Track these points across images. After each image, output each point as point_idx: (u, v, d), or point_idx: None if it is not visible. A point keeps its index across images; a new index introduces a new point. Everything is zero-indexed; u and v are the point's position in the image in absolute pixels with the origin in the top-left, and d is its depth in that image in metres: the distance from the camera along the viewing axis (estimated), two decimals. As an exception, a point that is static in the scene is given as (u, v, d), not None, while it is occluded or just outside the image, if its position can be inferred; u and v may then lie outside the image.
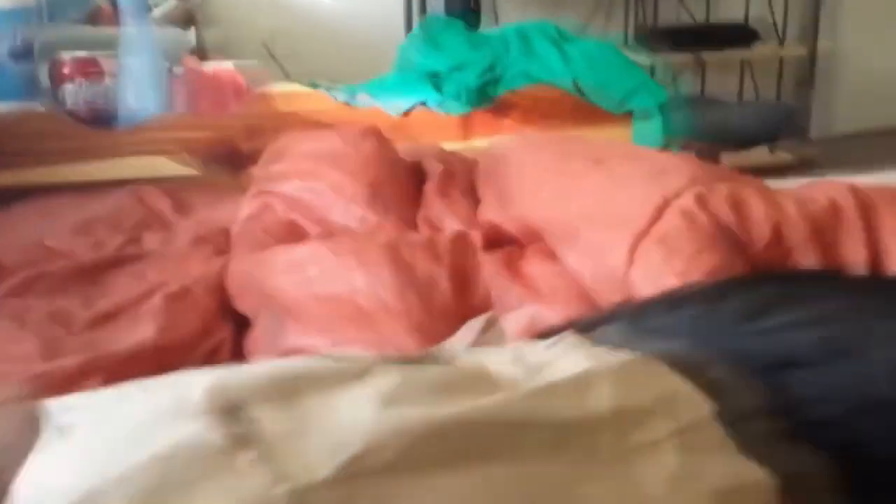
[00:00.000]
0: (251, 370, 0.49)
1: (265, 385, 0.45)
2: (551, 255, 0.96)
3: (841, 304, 0.74)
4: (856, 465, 0.47)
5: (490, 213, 1.05)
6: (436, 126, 1.68)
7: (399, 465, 0.38)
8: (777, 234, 0.89)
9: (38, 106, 1.63)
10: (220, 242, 1.21)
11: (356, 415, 0.41)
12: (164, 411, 0.43)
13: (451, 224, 1.11)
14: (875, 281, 0.85)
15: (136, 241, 1.25)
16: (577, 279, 0.90)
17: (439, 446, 0.39)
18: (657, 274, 0.85)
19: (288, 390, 0.44)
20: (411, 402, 0.43)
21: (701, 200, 0.90)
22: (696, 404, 0.47)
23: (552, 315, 0.87)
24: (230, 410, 0.42)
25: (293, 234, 1.13)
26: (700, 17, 3.53)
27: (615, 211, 0.90)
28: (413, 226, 1.14)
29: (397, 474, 0.37)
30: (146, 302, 1.00)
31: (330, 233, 1.06)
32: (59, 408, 0.46)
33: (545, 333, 0.69)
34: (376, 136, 1.23)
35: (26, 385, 0.78)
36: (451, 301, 0.94)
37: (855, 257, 0.88)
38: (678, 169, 0.96)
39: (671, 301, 0.79)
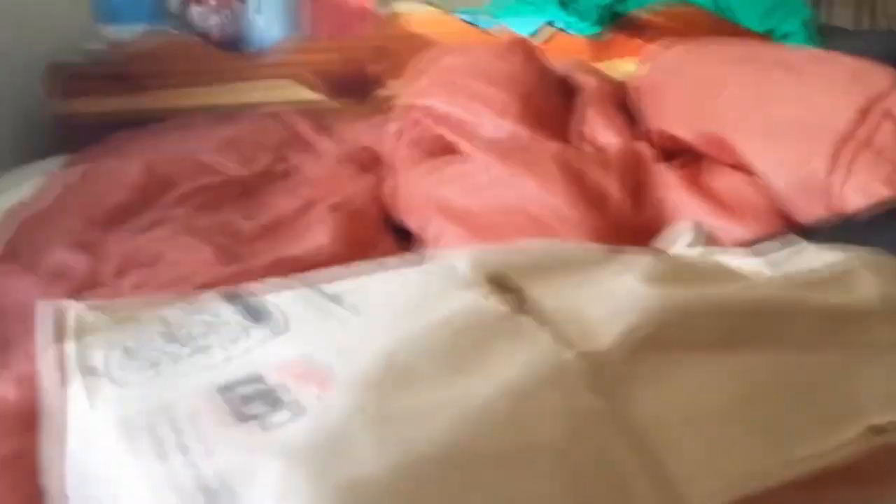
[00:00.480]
0: (499, 250, 0.47)
1: (522, 260, 0.43)
2: (735, 167, 0.91)
3: None
4: None
5: (661, 122, 1.00)
6: (566, 47, 1.62)
7: (674, 339, 0.37)
8: None
9: (167, 29, 1.63)
10: (365, 160, 1.19)
11: (626, 290, 0.39)
12: (435, 286, 0.41)
13: (607, 138, 1.06)
14: None
15: (283, 160, 1.24)
16: (769, 190, 0.85)
17: (713, 326, 0.38)
18: (863, 180, 0.80)
19: (545, 266, 0.42)
20: (675, 283, 0.41)
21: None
22: None
23: (740, 231, 0.82)
24: (499, 281, 0.40)
25: (443, 148, 1.10)
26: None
27: (814, 115, 0.85)
28: (566, 140, 1.10)
29: (672, 349, 0.36)
30: (309, 213, 0.99)
31: (486, 146, 1.02)
32: (331, 289, 0.44)
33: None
34: (524, 48, 1.18)
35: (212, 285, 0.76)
36: (623, 212, 0.90)
37: None
38: (876, 70, 0.89)
39: (885, 213, 0.74)
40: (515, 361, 0.34)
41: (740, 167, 0.90)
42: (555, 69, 1.21)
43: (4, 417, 0.56)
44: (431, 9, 1.63)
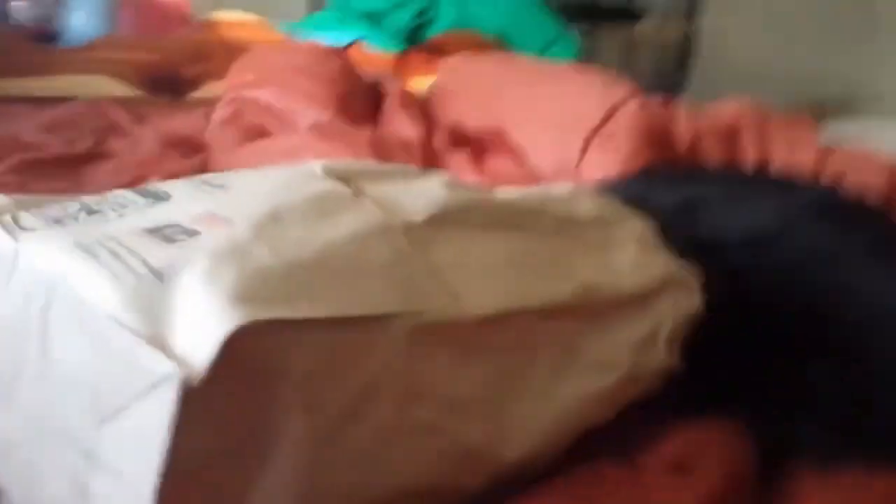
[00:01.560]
0: (345, 161, 0.62)
1: (361, 168, 0.58)
2: (511, 153, 1.10)
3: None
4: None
5: (453, 116, 1.18)
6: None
7: (460, 221, 0.52)
8: (694, 142, 1.07)
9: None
10: (187, 147, 1.28)
11: (432, 189, 0.55)
12: (295, 178, 0.55)
13: (409, 133, 1.23)
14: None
15: (104, 144, 1.30)
16: (534, 170, 1.05)
17: (486, 217, 0.54)
18: (605, 164, 1.01)
19: (377, 174, 0.57)
20: (464, 189, 0.58)
21: (641, 107, 1.06)
22: (645, 223, 0.64)
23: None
24: (346, 178, 0.54)
25: (265, 137, 1.22)
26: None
27: (572, 113, 1.06)
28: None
29: (459, 227, 0.52)
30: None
31: (308, 130, 1.16)
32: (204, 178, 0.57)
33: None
34: (340, 55, 1.33)
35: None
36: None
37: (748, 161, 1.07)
38: (620, 83, 1.13)
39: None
40: (358, 219, 0.49)
41: (514, 153, 1.09)
42: (366, 77, 1.37)
43: None
44: (249, 18, 1.74)
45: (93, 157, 1.23)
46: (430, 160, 1.09)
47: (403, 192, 0.54)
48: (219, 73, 1.64)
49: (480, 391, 0.48)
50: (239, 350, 0.38)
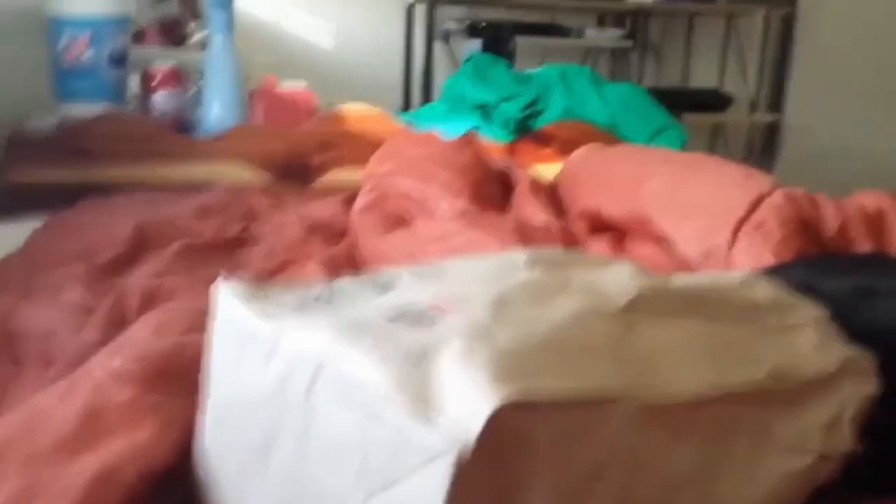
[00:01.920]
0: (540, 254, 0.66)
1: (557, 259, 0.63)
2: (654, 240, 1.13)
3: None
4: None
5: (592, 203, 1.23)
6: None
7: (655, 308, 0.56)
8: (843, 228, 1.09)
9: (128, 110, 1.77)
10: (329, 232, 1.36)
11: (623, 276, 0.60)
12: (503, 266, 0.60)
13: (542, 219, 1.28)
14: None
15: (249, 229, 1.38)
16: (682, 258, 1.08)
17: (677, 302, 0.58)
18: (756, 252, 1.03)
19: (571, 262, 0.62)
20: (647, 275, 0.62)
21: (788, 197, 1.09)
22: (818, 309, 0.67)
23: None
24: (549, 264, 0.59)
25: (405, 223, 1.29)
26: (677, 80, 3.79)
27: (718, 202, 1.09)
28: (506, 223, 1.31)
29: (655, 314, 0.56)
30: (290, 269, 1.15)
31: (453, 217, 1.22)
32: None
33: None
34: (473, 144, 1.40)
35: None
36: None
37: (896, 249, 1.09)
38: (761, 174, 1.16)
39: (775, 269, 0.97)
40: (573, 303, 0.53)
41: (658, 241, 1.13)
42: (495, 164, 1.44)
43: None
44: (370, 109, 1.84)
45: (242, 241, 1.31)
46: (570, 245, 1.14)
47: (599, 278, 0.58)
48: (343, 161, 1.74)
49: (691, 470, 0.52)
50: (499, 426, 0.42)
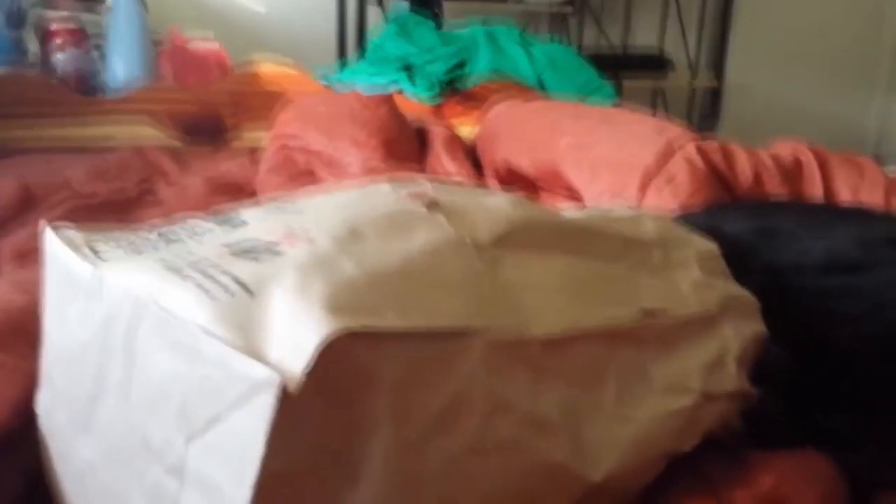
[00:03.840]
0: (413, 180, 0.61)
1: (428, 187, 0.57)
2: (566, 195, 1.09)
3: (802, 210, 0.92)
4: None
5: (506, 156, 1.18)
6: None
7: (526, 242, 0.52)
8: (757, 179, 1.06)
9: (28, 70, 1.68)
10: (234, 192, 1.29)
11: (501, 207, 0.55)
12: (366, 196, 0.55)
13: (461, 173, 1.23)
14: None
15: (151, 190, 1.31)
16: (594, 209, 1.04)
17: (551, 237, 0.54)
18: (664, 205, 0.99)
19: (445, 190, 0.57)
20: (528, 208, 0.57)
21: (700, 149, 1.05)
22: (708, 244, 0.64)
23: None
24: (416, 194, 0.54)
25: (315, 182, 1.23)
26: (617, 43, 3.77)
27: (629, 157, 1.05)
28: (421, 181, 1.25)
29: (525, 248, 0.52)
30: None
31: (360, 174, 1.16)
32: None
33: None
34: (389, 101, 1.34)
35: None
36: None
37: (813, 197, 1.06)
38: (675, 127, 1.12)
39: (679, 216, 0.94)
40: (434, 235, 0.49)
41: (571, 196, 1.08)
42: (410, 121, 1.38)
43: None
44: (288, 68, 1.76)
45: (141, 203, 1.24)
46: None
47: (473, 209, 0.54)
48: (258, 122, 1.66)
49: (557, 411, 0.48)
50: (332, 359, 0.38)
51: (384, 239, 0.47)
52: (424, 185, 0.56)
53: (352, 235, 0.47)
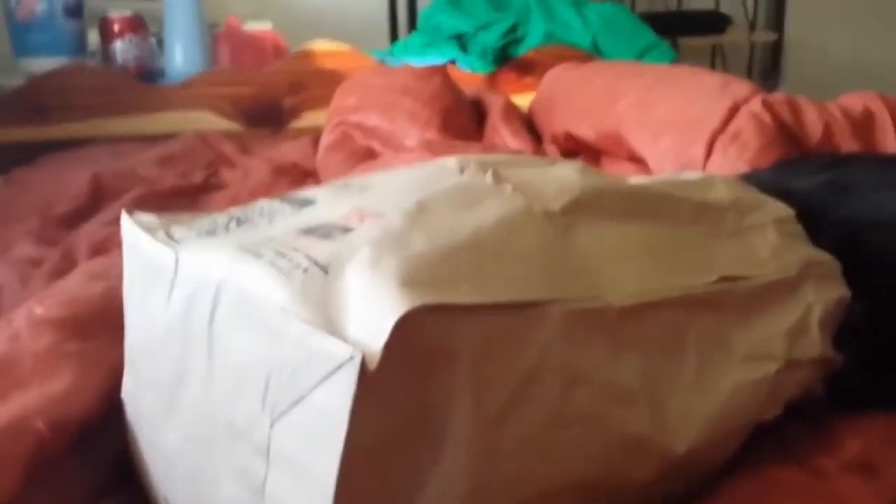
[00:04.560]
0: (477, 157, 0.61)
1: (495, 160, 0.56)
2: (629, 158, 1.07)
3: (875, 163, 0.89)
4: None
5: (566, 125, 1.16)
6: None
7: (597, 210, 0.51)
8: (827, 132, 1.03)
9: (88, 62, 1.71)
10: (296, 174, 1.30)
11: (568, 176, 0.54)
12: (433, 172, 0.54)
13: (516, 146, 1.22)
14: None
15: (216, 175, 1.33)
16: (659, 173, 1.02)
17: (622, 204, 0.53)
18: (731, 163, 0.97)
19: (511, 162, 0.57)
20: (596, 176, 0.56)
21: (766, 104, 1.03)
22: (784, 207, 0.62)
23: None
24: (482, 167, 0.53)
25: (373, 158, 1.23)
26: (673, 4, 3.69)
27: (693, 114, 1.03)
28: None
29: (596, 216, 0.51)
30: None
31: (419, 147, 1.16)
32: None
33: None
34: (441, 72, 1.34)
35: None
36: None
37: (888, 150, 1.02)
38: (739, 82, 1.09)
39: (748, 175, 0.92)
40: (502, 206, 0.48)
41: (634, 159, 1.07)
42: (466, 93, 1.37)
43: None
44: (342, 47, 1.76)
45: (206, 188, 1.26)
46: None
47: (540, 179, 0.53)
48: (317, 103, 1.67)
49: (638, 381, 0.47)
50: (410, 334, 0.38)
51: (454, 212, 0.47)
52: (490, 159, 0.56)
53: (421, 210, 0.47)
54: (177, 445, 0.49)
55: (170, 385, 0.48)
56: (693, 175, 0.64)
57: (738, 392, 0.50)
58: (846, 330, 0.59)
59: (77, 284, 0.75)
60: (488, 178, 0.51)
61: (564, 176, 0.54)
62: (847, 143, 1.03)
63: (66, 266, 0.94)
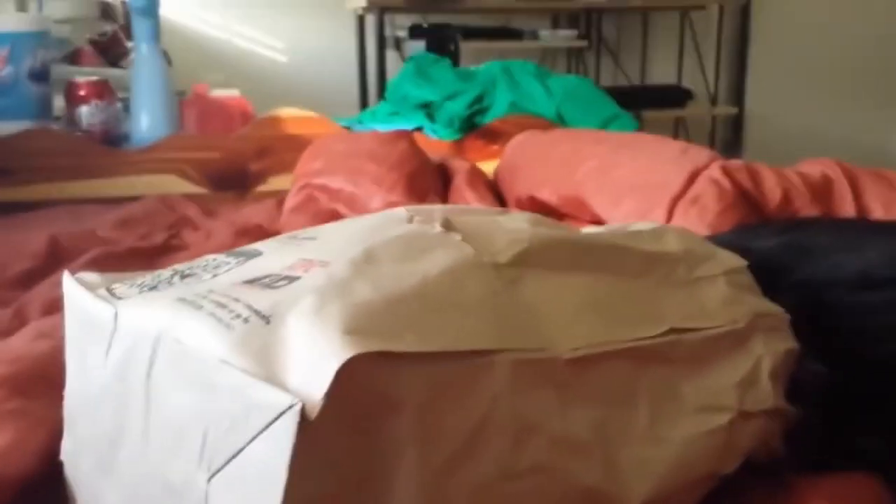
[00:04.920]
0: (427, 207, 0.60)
1: (445, 209, 0.56)
2: (591, 222, 1.08)
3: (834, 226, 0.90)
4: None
5: (528, 189, 1.17)
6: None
7: (546, 261, 0.50)
8: (787, 197, 1.04)
9: (52, 125, 1.70)
10: (260, 235, 1.29)
11: (518, 227, 0.54)
12: (381, 222, 0.54)
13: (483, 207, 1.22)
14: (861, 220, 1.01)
15: (177, 237, 1.32)
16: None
17: (571, 255, 0.52)
18: (692, 227, 0.97)
19: (462, 212, 0.56)
20: (548, 227, 0.56)
21: (725, 170, 1.04)
22: (735, 258, 0.62)
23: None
24: (431, 216, 0.53)
25: (337, 220, 1.22)
26: (636, 79, 3.77)
27: (654, 179, 1.04)
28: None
29: (544, 267, 0.50)
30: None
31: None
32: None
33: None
34: (408, 137, 1.34)
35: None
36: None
37: (846, 214, 1.04)
38: (699, 149, 1.11)
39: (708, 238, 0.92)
40: (451, 256, 0.47)
41: (595, 222, 1.07)
42: (431, 158, 1.38)
43: None
44: (309, 113, 1.77)
45: (167, 249, 1.24)
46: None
47: (490, 229, 0.53)
48: (283, 168, 1.67)
49: (589, 432, 0.46)
50: (353, 382, 0.37)
51: (400, 261, 0.46)
52: (440, 208, 0.56)
53: (367, 259, 0.46)
54: (112, 507, 0.47)
55: (107, 444, 0.47)
56: (645, 225, 0.64)
57: (692, 442, 0.49)
58: (801, 386, 0.58)
59: (23, 343, 0.74)
60: (437, 226, 0.51)
61: (515, 226, 0.54)
62: (806, 208, 1.04)
63: (16, 326, 0.91)
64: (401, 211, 0.54)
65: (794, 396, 0.58)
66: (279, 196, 1.44)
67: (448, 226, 0.51)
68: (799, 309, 0.61)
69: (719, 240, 0.76)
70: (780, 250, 0.72)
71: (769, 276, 0.63)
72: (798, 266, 0.68)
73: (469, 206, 1.13)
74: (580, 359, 0.46)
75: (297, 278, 0.44)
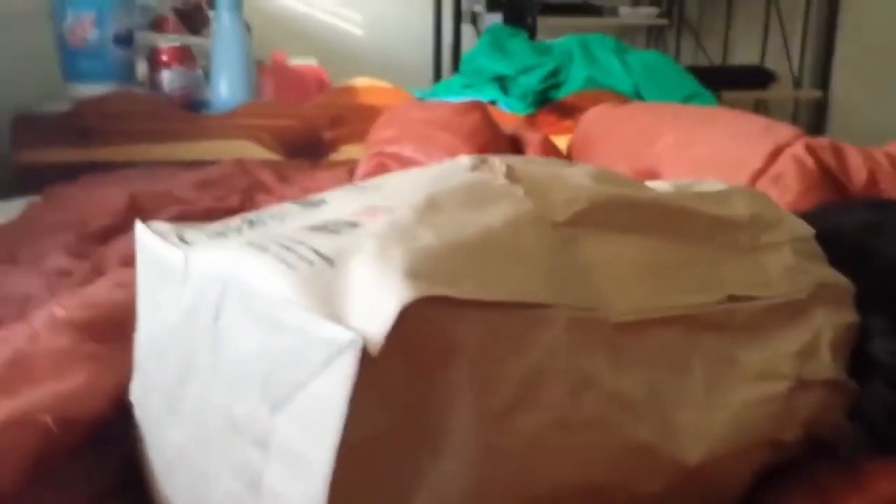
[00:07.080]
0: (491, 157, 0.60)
1: (510, 160, 0.55)
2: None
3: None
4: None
5: (602, 162, 1.16)
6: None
7: (605, 221, 0.50)
8: (872, 178, 1.01)
9: (136, 89, 1.74)
10: (330, 202, 1.30)
11: (580, 182, 0.53)
12: (445, 171, 0.54)
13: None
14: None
15: (251, 200, 1.34)
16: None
17: (631, 216, 0.52)
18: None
19: (525, 161, 0.56)
20: (612, 183, 0.55)
21: (809, 148, 1.01)
22: (804, 225, 0.61)
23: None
24: (493, 165, 0.53)
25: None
26: (717, 59, 3.68)
27: (735, 156, 1.02)
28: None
29: (601, 227, 0.49)
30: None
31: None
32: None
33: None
34: (480, 108, 1.34)
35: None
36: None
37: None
38: (782, 125, 1.08)
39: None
40: (511, 209, 0.47)
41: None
42: (505, 130, 1.37)
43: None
44: (384, 83, 1.78)
45: (241, 211, 1.26)
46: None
47: (553, 183, 0.52)
48: (356, 137, 1.69)
49: (643, 394, 0.46)
50: (413, 324, 0.37)
51: (463, 210, 0.46)
52: (505, 158, 0.55)
53: (430, 207, 0.46)
54: (179, 446, 0.48)
55: (174, 385, 0.48)
56: (714, 185, 0.62)
57: (749, 408, 0.49)
58: (882, 367, 0.57)
59: (100, 291, 0.76)
60: (500, 177, 0.50)
61: (577, 182, 0.53)
62: (893, 190, 1.00)
63: (94, 278, 0.94)
64: (465, 159, 0.54)
65: (871, 375, 0.56)
66: (351, 164, 1.46)
67: (511, 177, 0.50)
68: (884, 290, 0.59)
69: (800, 216, 0.74)
70: (863, 230, 0.70)
71: (851, 256, 0.61)
72: (882, 246, 0.66)
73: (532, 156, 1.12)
74: (629, 324, 0.45)
75: (361, 224, 0.45)
